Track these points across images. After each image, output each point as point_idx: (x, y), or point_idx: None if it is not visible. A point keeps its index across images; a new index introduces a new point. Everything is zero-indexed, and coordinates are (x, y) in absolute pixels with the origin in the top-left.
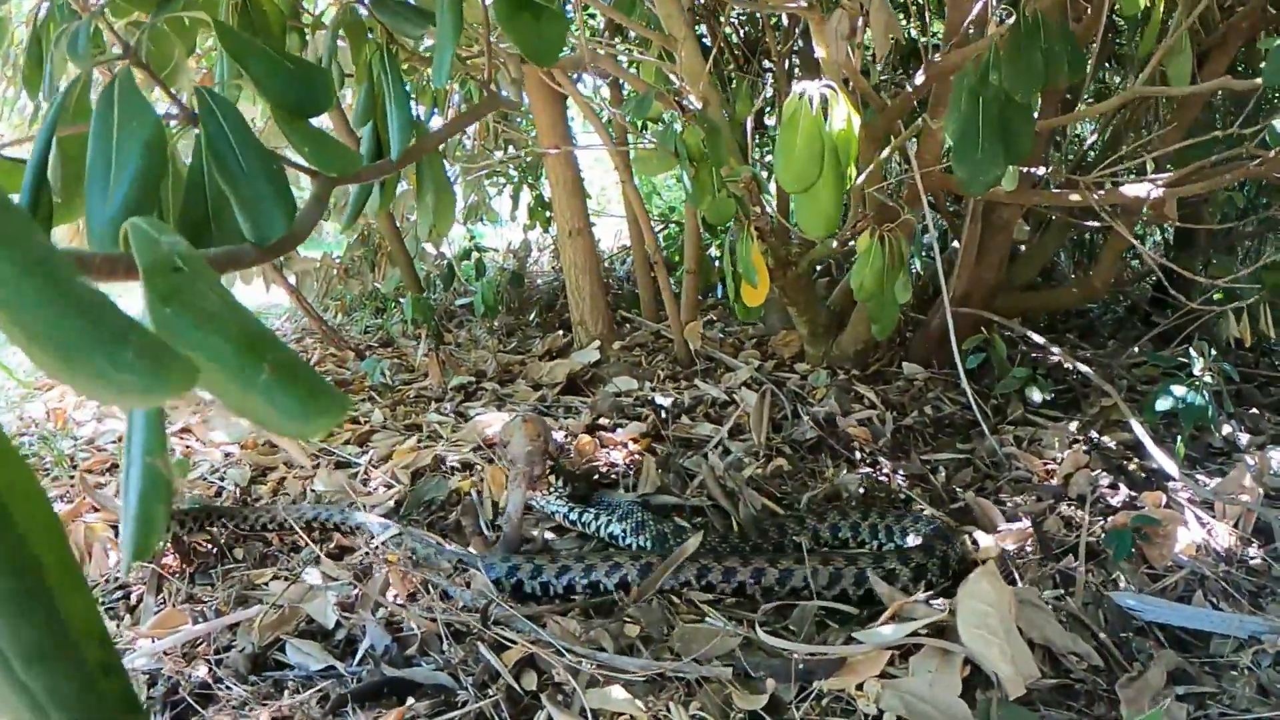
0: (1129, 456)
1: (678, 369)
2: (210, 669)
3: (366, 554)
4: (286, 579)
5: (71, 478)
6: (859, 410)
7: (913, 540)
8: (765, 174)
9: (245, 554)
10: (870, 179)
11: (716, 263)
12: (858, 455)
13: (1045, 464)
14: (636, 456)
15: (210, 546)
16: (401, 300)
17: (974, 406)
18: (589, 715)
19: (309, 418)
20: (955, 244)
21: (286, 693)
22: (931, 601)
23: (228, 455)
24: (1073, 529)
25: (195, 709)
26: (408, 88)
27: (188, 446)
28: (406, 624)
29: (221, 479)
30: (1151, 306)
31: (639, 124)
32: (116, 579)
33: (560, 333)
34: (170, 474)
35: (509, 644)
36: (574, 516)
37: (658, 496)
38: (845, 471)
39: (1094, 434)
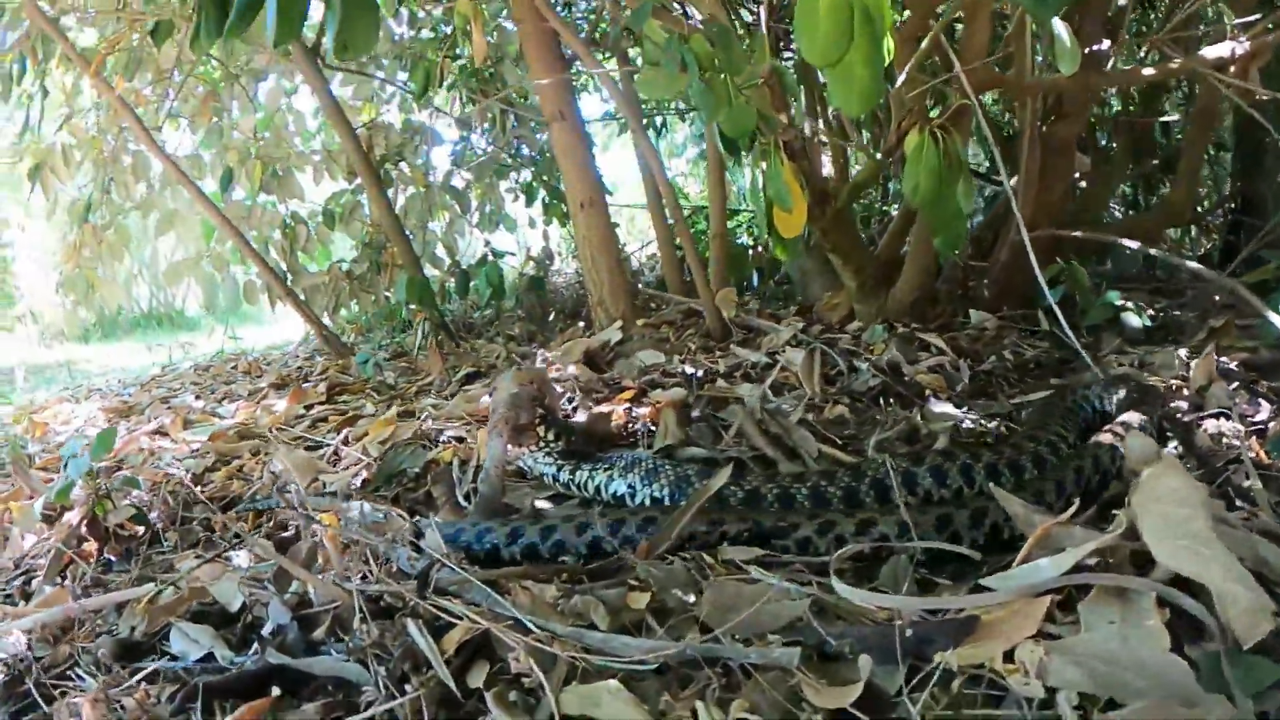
0: (1253, 379)
1: (710, 342)
2: (74, 655)
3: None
4: (207, 560)
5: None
6: (926, 359)
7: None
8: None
9: (179, 539)
10: (910, 83)
11: (750, 252)
12: (932, 402)
13: (1166, 383)
14: (655, 417)
15: (141, 530)
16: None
17: (1067, 335)
18: None
19: None
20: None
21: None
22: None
23: (194, 450)
24: (1221, 444)
25: (38, 703)
26: None
27: (158, 445)
28: (318, 598)
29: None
30: (1231, 232)
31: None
32: (27, 563)
33: (580, 325)
34: None
35: (453, 620)
36: (565, 476)
37: (682, 450)
38: (918, 414)
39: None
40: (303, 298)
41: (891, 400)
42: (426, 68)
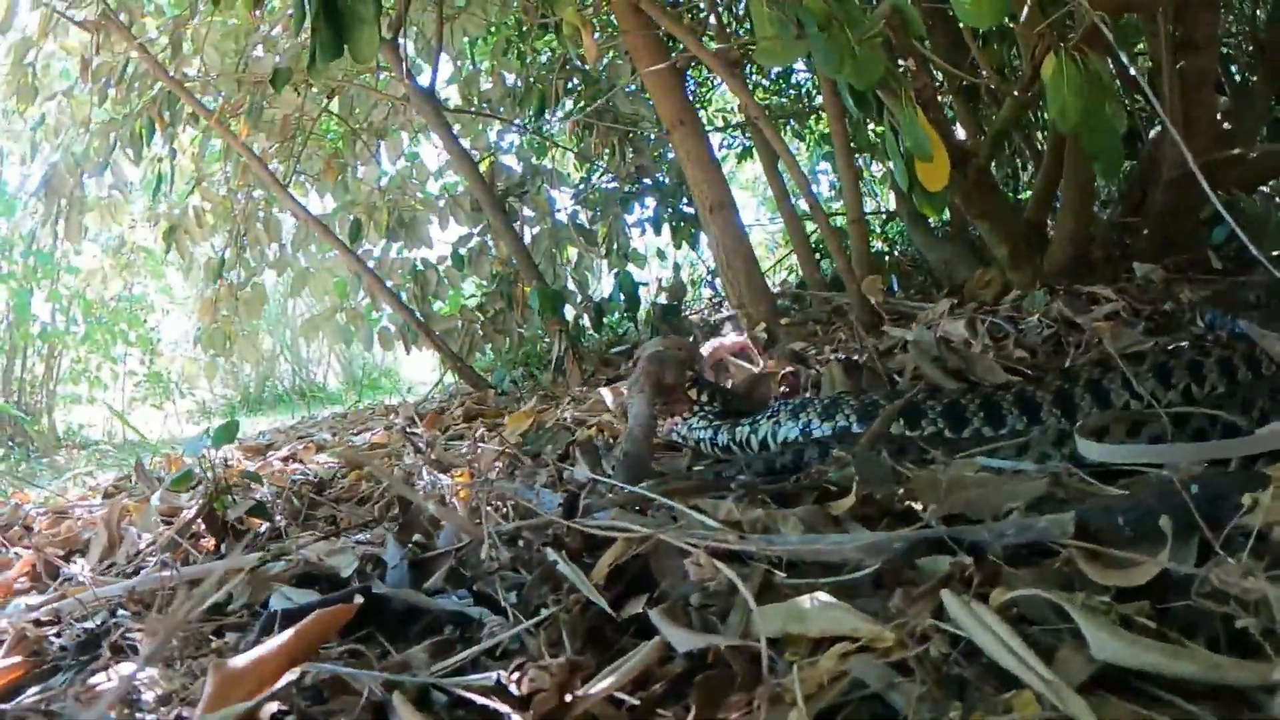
0: None
1: (860, 332)
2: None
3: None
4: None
5: None
6: (1098, 310)
7: None
8: None
9: (305, 533)
10: (1033, 14)
11: (885, 257)
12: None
13: None
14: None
15: (262, 525)
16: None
17: (1261, 258)
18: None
19: None
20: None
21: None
22: None
23: (327, 466)
24: None
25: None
26: None
27: (293, 468)
28: (443, 542)
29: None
30: None
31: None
32: (141, 559)
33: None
34: None
35: (605, 543)
36: (724, 438)
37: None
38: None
39: None
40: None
41: (1068, 349)
42: (541, 90)
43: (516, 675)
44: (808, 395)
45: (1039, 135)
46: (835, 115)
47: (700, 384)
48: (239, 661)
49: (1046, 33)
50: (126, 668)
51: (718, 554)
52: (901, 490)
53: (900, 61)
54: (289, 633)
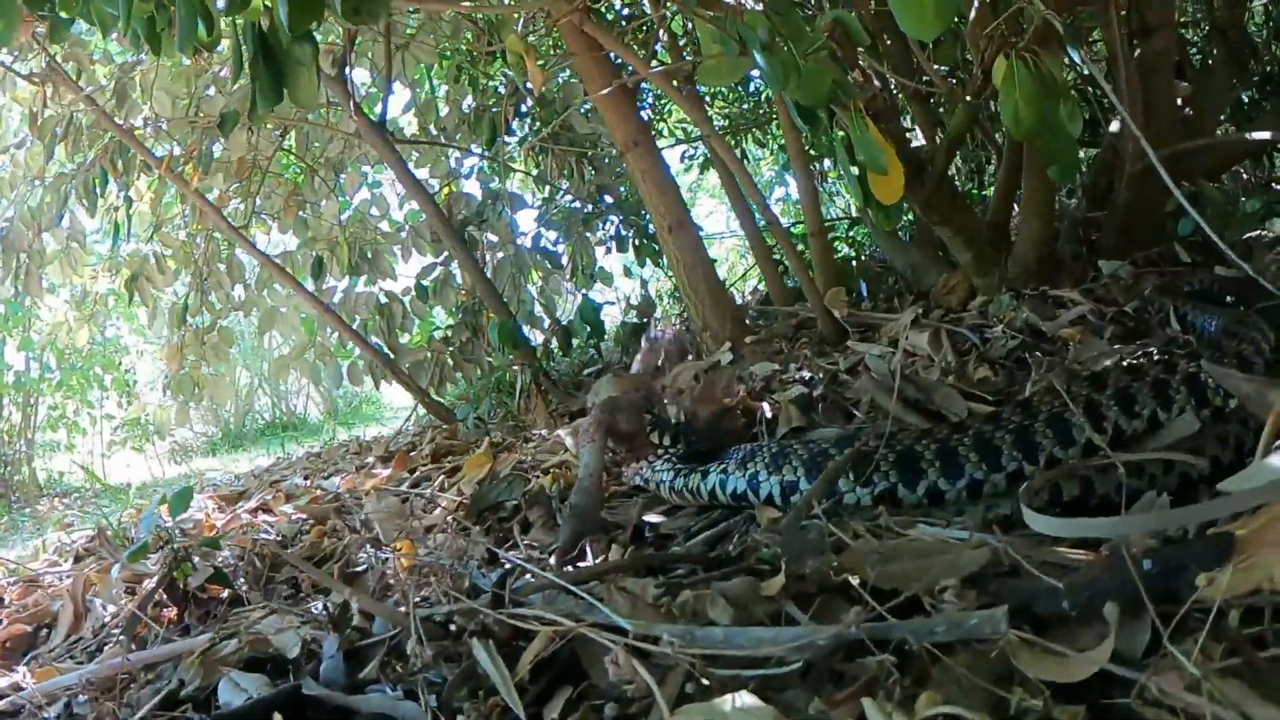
0: None
1: (825, 347)
2: (116, 712)
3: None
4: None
5: None
6: (1063, 315)
7: None
8: None
9: (264, 599)
10: (981, 17)
11: (853, 262)
12: (1086, 344)
13: None
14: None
15: (224, 593)
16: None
17: (1227, 251)
18: None
19: None
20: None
21: None
22: None
23: (293, 519)
24: None
25: None
26: None
27: (261, 519)
28: (380, 630)
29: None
30: None
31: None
32: (105, 633)
33: (689, 359)
34: None
35: (532, 635)
36: (679, 483)
37: (809, 434)
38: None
39: None
40: (406, 372)
41: (1034, 362)
42: (492, 119)
43: None
44: (759, 443)
45: (1000, 128)
46: (789, 127)
47: (660, 426)
48: None
49: (996, 34)
50: None
51: (638, 651)
52: (836, 563)
53: (851, 74)
54: None
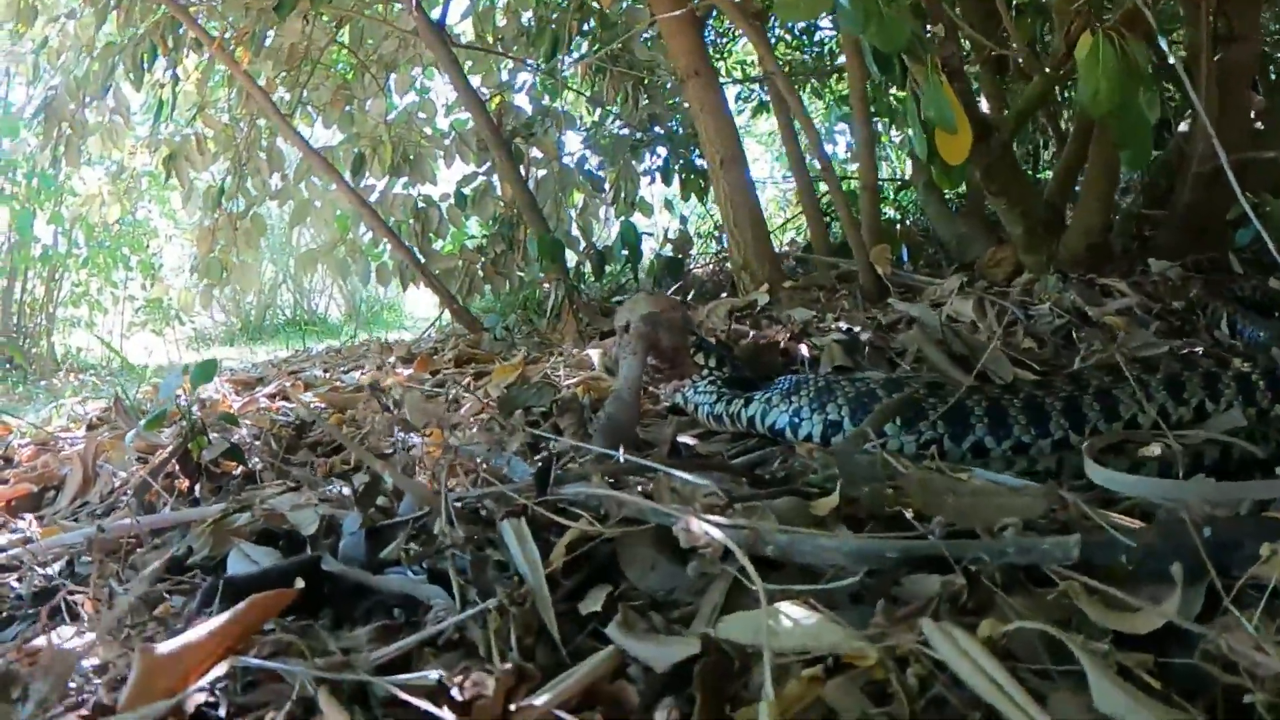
0: None
1: (865, 302)
2: (119, 574)
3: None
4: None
5: None
6: (1111, 303)
7: None
8: None
9: (280, 477)
10: None
11: (896, 226)
12: (1134, 334)
13: None
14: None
15: (237, 469)
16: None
17: None
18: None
19: None
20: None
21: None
22: None
23: (312, 406)
24: None
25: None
26: None
27: (278, 404)
28: (405, 511)
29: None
30: None
31: None
32: (114, 498)
33: (724, 294)
34: None
35: (575, 517)
36: (720, 409)
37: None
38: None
39: None
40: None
41: (1081, 342)
42: (554, 33)
43: (460, 677)
44: (805, 375)
45: (1064, 113)
46: (856, 77)
47: (704, 347)
48: (167, 648)
49: (1084, 9)
50: (66, 633)
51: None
52: (890, 491)
53: (928, 27)
54: (223, 618)
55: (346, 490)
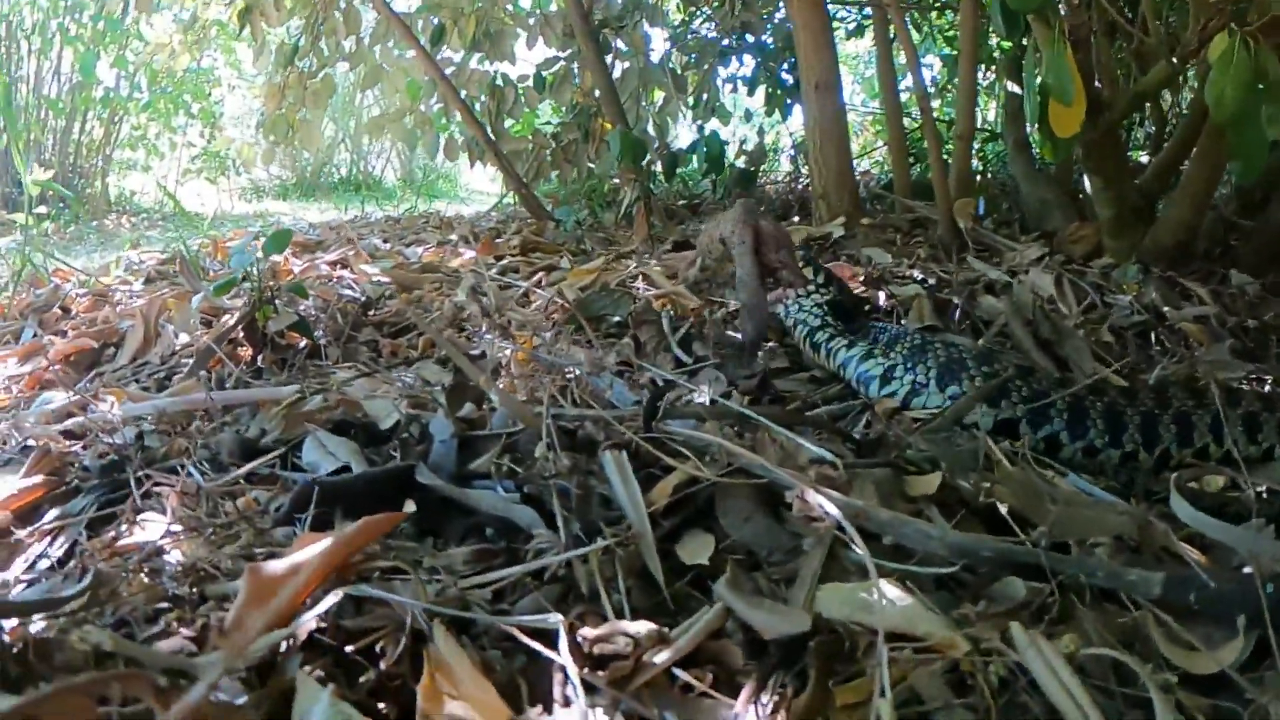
0: None
1: (940, 254)
2: (190, 450)
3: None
4: (366, 374)
5: None
6: (1188, 308)
7: None
8: None
9: (341, 356)
10: None
11: (977, 177)
12: (1214, 348)
13: None
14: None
15: (302, 342)
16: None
17: None
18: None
19: None
20: None
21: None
22: None
23: (375, 281)
24: None
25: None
26: None
27: (340, 274)
28: (496, 423)
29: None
30: None
31: None
32: (175, 360)
33: (796, 219)
34: None
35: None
36: (821, 338)
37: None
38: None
39: None
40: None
41: (1157, 343)
42: None
43: (590, 630)
44: (899, 329)
45: (1173, 99)
46: (970, 23)
47: (811, 262)
48: (275, 568)
49: (1225, 7)
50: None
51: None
52: (988, 485)
53: None
54: (330, 541)
55: (418, 380)
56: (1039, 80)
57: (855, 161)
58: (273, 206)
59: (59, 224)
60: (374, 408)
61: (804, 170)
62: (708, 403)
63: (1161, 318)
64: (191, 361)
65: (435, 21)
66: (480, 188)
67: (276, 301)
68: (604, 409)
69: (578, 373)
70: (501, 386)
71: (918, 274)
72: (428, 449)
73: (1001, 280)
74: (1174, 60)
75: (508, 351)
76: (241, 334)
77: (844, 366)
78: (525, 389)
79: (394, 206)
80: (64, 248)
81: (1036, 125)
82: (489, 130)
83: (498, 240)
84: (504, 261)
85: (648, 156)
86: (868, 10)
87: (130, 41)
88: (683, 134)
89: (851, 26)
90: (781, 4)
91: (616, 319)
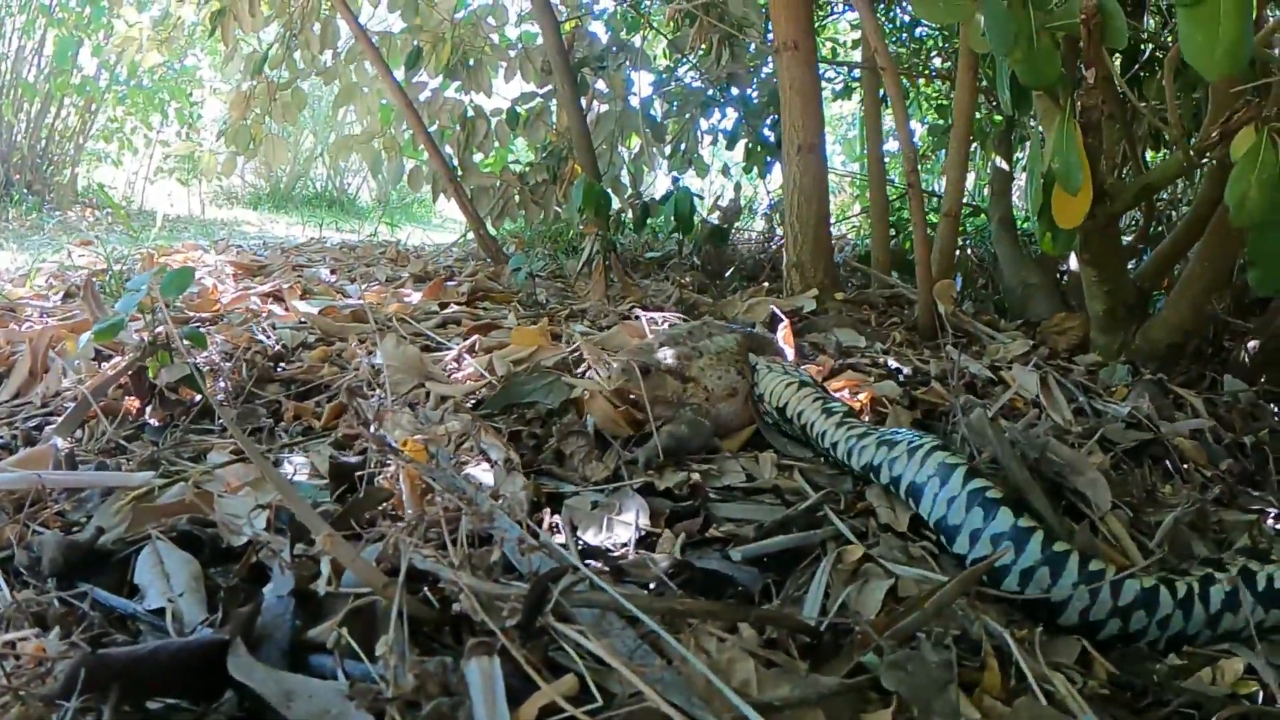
0: None
1: (916, 338)
2: (12, 547)
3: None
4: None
5: None
6: (1181, 420)
7: None
8: None
9: (239, 418)
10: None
11: (956, 252)
12: (1197, 478)
13: None
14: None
15: (196, 398)
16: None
17: None
18: None
19: None
20: None
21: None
22: None
23: (301, 323)
24: None
25: None
26: None
27: (267, 309)
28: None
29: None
30: None
31: None
32: (56, 403)
33: (765, 285)
34: None
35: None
36: (838, 436)
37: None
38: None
39: None
40: (469, 195)
41: (1149, 463)
42: None
43: None
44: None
45: (1171, 191)
46: (965, 94)
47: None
48: None
49: (1254, 102)
50: None
51: None
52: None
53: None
54: None
55: (307, 467)
56: (1045, 165)
57: (834, 224)
58: (242, 215)
59: (20, 211)
60: (230, 511)
61: (779, 230)
62: (614, 595)
63: (1157, 434)
64: (70, 409)
65: (414, 44)
66: (454, 215)
67: (175, 347)
68: (489, 574)
69: (475, 503)
70: (374, 505)
71: (892, 362)
72: (259, 605)
73: (983, 376)
74: (1192, 153)
75: (395, 465)
76: (130, 382)
77: (876, 471)
78: (413, 509)
79: (361, 228)
80: (19, 237)
81: (1037, 214)
82: (456, 162)
83: (449, 283)
84: (447, 311)
85: (616, 205)
86: (855, 73)
87: (112, 31)
88: (660, 182)
89: (839, 87)
90: (770, 59)
91: (548, 407)
